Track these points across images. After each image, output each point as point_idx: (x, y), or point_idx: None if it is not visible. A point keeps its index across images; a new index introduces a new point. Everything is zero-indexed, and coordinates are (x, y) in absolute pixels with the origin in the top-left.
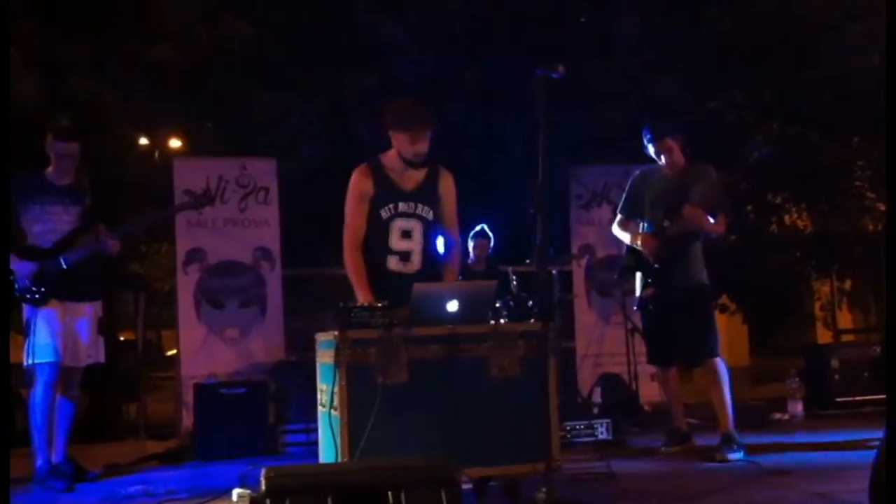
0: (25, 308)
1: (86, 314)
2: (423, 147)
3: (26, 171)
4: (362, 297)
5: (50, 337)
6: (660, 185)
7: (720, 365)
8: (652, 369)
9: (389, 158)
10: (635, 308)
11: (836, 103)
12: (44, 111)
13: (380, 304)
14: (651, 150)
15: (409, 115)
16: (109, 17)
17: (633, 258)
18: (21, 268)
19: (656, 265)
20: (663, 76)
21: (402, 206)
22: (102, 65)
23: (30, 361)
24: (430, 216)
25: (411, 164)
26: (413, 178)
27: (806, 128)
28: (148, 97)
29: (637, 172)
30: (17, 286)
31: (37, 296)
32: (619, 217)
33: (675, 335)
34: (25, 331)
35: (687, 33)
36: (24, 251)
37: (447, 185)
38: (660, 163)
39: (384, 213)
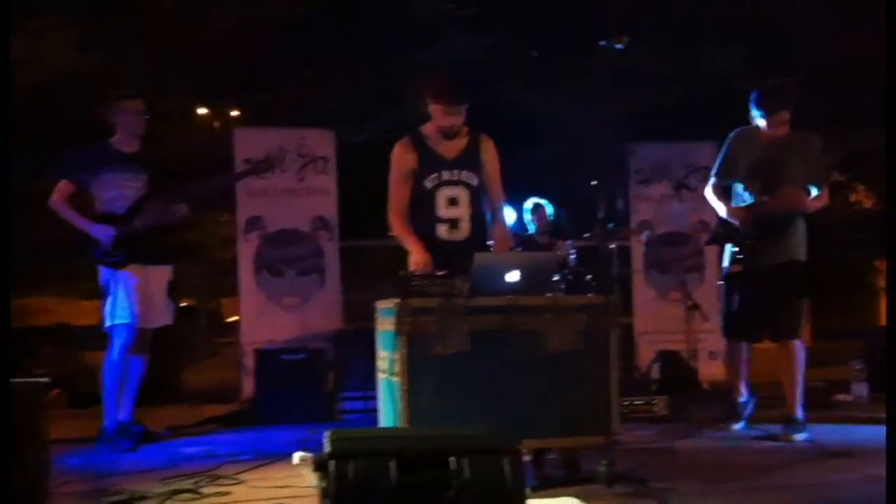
0: (102, 272)
1: (158, 278)
2: (457, 120)
3: (93, 143)
4: (416, 253)
5: (127, 299)
6: (758, 151)
7: (799, 346)
8: (711, 347)
9: (430, 129)
10: (720, 282)
11: None
12: (103, 84)
13: (440, 273)
14: (762, 122)
15: (447, 88)
16: None
17: (724, 228)
18: (100, 232)
19: (749, 240)
20: (723, 50)
21: (445, 175)
22: (164, 35)
23: (111, 322)
24: (475, 182)
25: (445, 135)
26: (454, 147)
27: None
28: (208, 67)
29: (733, 133)
30: (96, 250)
31: (116, 259)
32: (712, 181)
33: (758, 311)
34: (104, 294)
35: (749, 5)
36: (99, 218)
37: (489, 152)
38: (763, 128)
39: (428, 184)
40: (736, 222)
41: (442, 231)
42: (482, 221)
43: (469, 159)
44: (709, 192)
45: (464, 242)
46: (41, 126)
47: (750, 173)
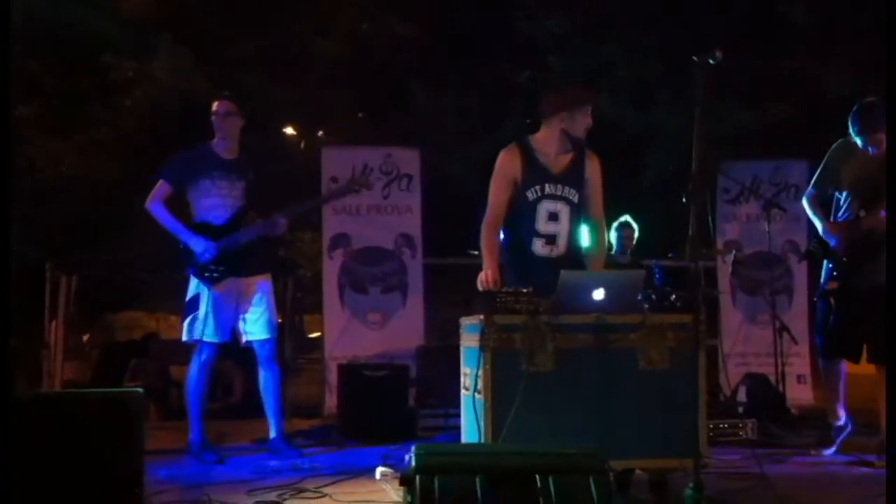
0: (194, 284)
1: (259, 288)
2: (591, 120)
3: (194, 146)
4: (487, 269)
5: (215, 317)
6: (861, 166)
7: None
8: (800, 371)
9: (539, 141)
10: (815, 299)
11: None
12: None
13: (525, 290)
14: (858, 140)
15: (579, 92)
16: (275, 14)
17: (820, 245)
18: (199, 246)
19: (845, 258)
20: (826, 64)
21: (549, 188)
22: (266, 59)
23: (194, 336)
24: (576, 199)
25: (576, 141)
26: (561, 161)
27: None
28: (310, 91)
29: (838, 142)
30: (192, 262)
31: (215, 274)
32: (810, 191)
33: (855, 332)
34: (189, 306)
35: (853, 19)
36: (197, 227)
37: (594, 169)
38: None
39: (530, 195)
40: (832, 240)
41: (538, 245)
42: (580, 239)
43: (573, 175)
44: (806, 204)
45: (559, 259)
46: (157, 144)
47: (851, 187)
